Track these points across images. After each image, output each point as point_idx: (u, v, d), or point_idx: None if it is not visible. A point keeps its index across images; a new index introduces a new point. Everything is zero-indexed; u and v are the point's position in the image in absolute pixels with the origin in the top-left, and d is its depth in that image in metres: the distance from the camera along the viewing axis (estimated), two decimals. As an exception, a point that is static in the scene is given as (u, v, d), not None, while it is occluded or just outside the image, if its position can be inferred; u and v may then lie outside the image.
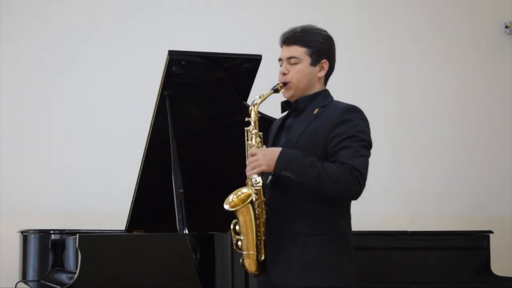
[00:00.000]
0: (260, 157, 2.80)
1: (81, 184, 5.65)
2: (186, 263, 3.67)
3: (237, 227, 2.86)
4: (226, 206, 2.83)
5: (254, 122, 2.92)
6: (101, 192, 5.63)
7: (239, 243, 2.87)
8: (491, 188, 6.33)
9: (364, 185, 2.77)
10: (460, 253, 4.67)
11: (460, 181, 6.29)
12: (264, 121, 3.08)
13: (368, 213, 5.68)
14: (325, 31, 2.97)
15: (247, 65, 4.09)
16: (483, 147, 6.39)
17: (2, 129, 5.61)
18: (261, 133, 2.93)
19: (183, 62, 3.96)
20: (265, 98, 2.93)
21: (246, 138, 2.94)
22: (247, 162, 2.86)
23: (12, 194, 5.56)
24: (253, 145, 2.90)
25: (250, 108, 2.94)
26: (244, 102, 4.12)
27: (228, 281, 3.70)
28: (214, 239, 3.72)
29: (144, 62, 5.69)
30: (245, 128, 2.93)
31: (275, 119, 3.16)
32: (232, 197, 2.85)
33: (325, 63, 2.94)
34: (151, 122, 4.10)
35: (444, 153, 6.33)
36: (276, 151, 2.80)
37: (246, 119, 2.93)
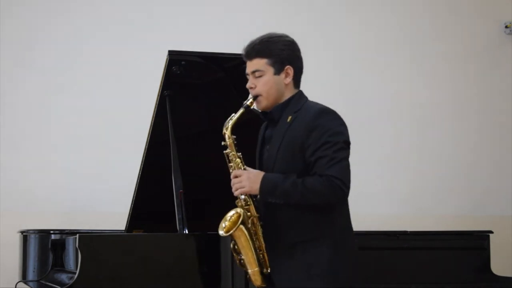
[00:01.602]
0: (244, 179, 2.87)
1: (81, 184, 5.65)
2: (186, 263, 3.67)
3: (236, 247, 2.93)
4: (221, 232, 2.91)
5: (230, 145, 2.97)
6: (101, 192, 5.63)
7: (242, 261, 2.94)
8: (491, 188, 6.33)
9: (347, 188, 2.80)
10: (460, 253, 4.67)
11: (460, 181, 6.29)
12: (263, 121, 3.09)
13: (368, 213, 5.67)
14: (286, 36, 2.98)
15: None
16: (483, 147, 6.39)
17: (2, 129, 5.61)
18: (240, 154, 2.96)
19: (183, 62, 3.96)
20: (237, 118, 2.97)
21: (227, 161, 2.99)
22: (231, 184, 2.92)
23: (12, 194, 5.56)
24: (234, 167, 2.95)
25: (223, 132, 2.98)
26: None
27: (228, 281, 3.70)
28: (214, 239, 3.72)
29: (144, 62, 5.69)
30: (224, 152, 2.99)
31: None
32: (224, 224, 2.93)
33: (289, 69, 2.95)
34: (151, 122, 4.10)
35: (444, 153, 6.32)
36: (258, 176, 2.86)
37: (222, 143, 2.98)
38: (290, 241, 2.85)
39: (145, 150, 4.15)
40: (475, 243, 4.73)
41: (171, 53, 3.91)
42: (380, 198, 5.96)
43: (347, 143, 2.85)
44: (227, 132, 2.97)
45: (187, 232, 3.73)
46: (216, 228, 3.77)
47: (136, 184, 4.19)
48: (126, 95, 5.76)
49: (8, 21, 5.71)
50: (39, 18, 5.76)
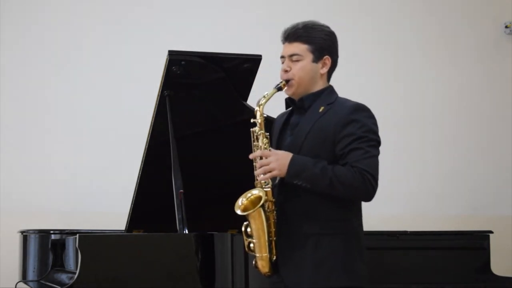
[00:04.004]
0: (273, 160, 2.78)
1: (81, 184, 5.65)
2: (186, 263, 3.67)
3: (248, 230, 2.85)
4: (237, 211, 2.81)
5: (260, 124, 2.89)
6: (101, 192, 5.62)
7: (251, 245, 2.86)
8: (491, 188, 6.33)
9: (376, 186, 2.77)
10: (460, 253, 4.67)
11: (460, 181, 6.29)
12: (265, 121, 3.08)
13: (368, 213, 5.65)
14: (327, 26, 2.96)
15: (247, 65, 4.09)
16: (483, 147, 6.39)
17: (2, 129, 5.61)
18: (268, 134, 2.91)
19: (183, 62, 3.96)
20: (269, 98, 2.91)
21: (252, 139, 2.91)
22: (256, 164, 2.84)
23: (12, 194, 5.55)
24: (260, 146, 2.87)
25: (255, 109, 2.90)
26: (244, 102, 4.12)
27: (228, 281, 3.70)
28: (214, 239, 3.72)
29: (144, 62, 5.69)
30: (251, 129, 2.91)
31: (273, 118, 3.15)
32: (241, 200, 2.84)
33: (327, 60, 2.93)
34: (151, 122, 4.10)
35: (444, 153, 6.33)
36: (287, 157, 2.78)
37: (252, 120, 2.91)
38: (304, 232, 2.80)
39: (145, 150, 4.15)
40: (475, 243, 4.73)
41: (171, 53, 3.91)
42: (380, 198, 5.94)
43: (380, 144, 2.85)
44: (259, 109, 2.89)
45: (187, 232, 3.72)
46: (215, 228, 3.79)
47: (136, 184, 4.20)
48: (126, 95, 5.75)
49: (8, 20, 5.71)
50: (39, 17, 5.76)
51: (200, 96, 4.18)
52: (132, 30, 5.86)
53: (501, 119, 6.44)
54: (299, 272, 2.80)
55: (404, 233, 4.72)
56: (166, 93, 4.04)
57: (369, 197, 2.80)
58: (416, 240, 4.68)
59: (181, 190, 3.84)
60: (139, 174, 4.19)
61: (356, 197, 2.82)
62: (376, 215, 5.83)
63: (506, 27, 6.43)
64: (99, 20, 5.84)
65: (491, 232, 4.76)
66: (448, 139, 6.35)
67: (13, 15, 5.72)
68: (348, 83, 5.99)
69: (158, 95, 4.04)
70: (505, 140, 6.41)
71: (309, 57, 2.90)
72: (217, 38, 5.78)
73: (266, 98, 2.90)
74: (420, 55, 6.36)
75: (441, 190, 6.25)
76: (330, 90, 2.95)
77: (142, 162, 4.17)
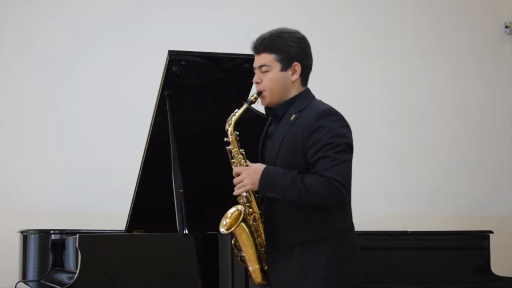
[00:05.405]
0: (245, 176, 2.83)
1: (81, 184, 5.65)
2: (186, 263, 3.67)
3: (237, 244, 2.91)
4: (222, 230, 2.88)
5: (232, 142, 2.92)
6: (101, 192, 5.63)
7: (243, 258, 2.92)
8: (491, 188, 6.33)
9: (346, 191, 2.76)
10: (460, 253, 4.68)
11: (460, 181, 6.29)
12: (263, 120, 3.09)
13: (368, 213, 5.67)
14: (296, 32, 2.94)
15: (247, 65, 4.08)
16: (483, 147, 6.39)
17: (2, 129, 5.61)
18: (243, 150, 2.92)
19: (183, 62, 3.96)
20: (240, 114, 2.93)
21: (230, 157, 2.95)
22: (234, 181, 2.88)
23: (12, 194, 5.56)
24: (236, 163, 2.91)
25: (226, 128, 2.93)
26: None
27: (228, 281, 3.70)
28: (214, 239, 3.72)
29: (144, 62, 5.69)
30: (226, 148, 2.94)
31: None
32: (225, 221, 2.90)
33: (297, 66, 2.91)
34: (151, 122, 4.10)
35: (444, 153, 6.33)
36: (258, 171, 2.82)
37: (225, 139, 2.93)
38: (288, 241, 2.83)
39: (145, 150, 4.16)
40: (475, 243, 4.73)
41: (171, 53, 3.91)
42: (380, 198, 5.96)
43: (350, 146, 2.80)
44: (229, 128, 2.92)
45: (187, 232, 3.73)
46: (216, 228, 3.78)
47: (136, 184, 4.20)
48: (126, 95, 5.75)
49: (8, 21, 5.71)
50: (39, 18, 5.76)
51: (200, 96, 4.18)
52: (132, 30, 5.86)
53: (501, 119, 6.44)
54: (287, 280, 2.83)
55: (404, 233, 4.73)
56: (166, 93, 4.04)
57: (338, 202, 2.79)
58: (416, 240, 4.69)
59: (181, 190, 3.84)
60: (139, 174, 4.19)
61: (326, 205, 2.80)
62: (376, 215, 5.86)
63: (506, 27, 6.43)
64: (99, 21, 5.84)
65: (491, 232, 4.76)
66: (448, 139, 6.35)
67: (12, 15, 5.72)
68: (345, 84, 6.03)
69: (158, 95, 4.04)
70: (505, 140, 6.41)
71: (277, 66, 2.89)
72: (217, 38, 5.79)
73: (236, 116, 2.93)
74: (420, 55, 6.36)
75: (441, 190, 6.25)
76: (304, 95, 2.94)
77: (142, 162, 4.17)
